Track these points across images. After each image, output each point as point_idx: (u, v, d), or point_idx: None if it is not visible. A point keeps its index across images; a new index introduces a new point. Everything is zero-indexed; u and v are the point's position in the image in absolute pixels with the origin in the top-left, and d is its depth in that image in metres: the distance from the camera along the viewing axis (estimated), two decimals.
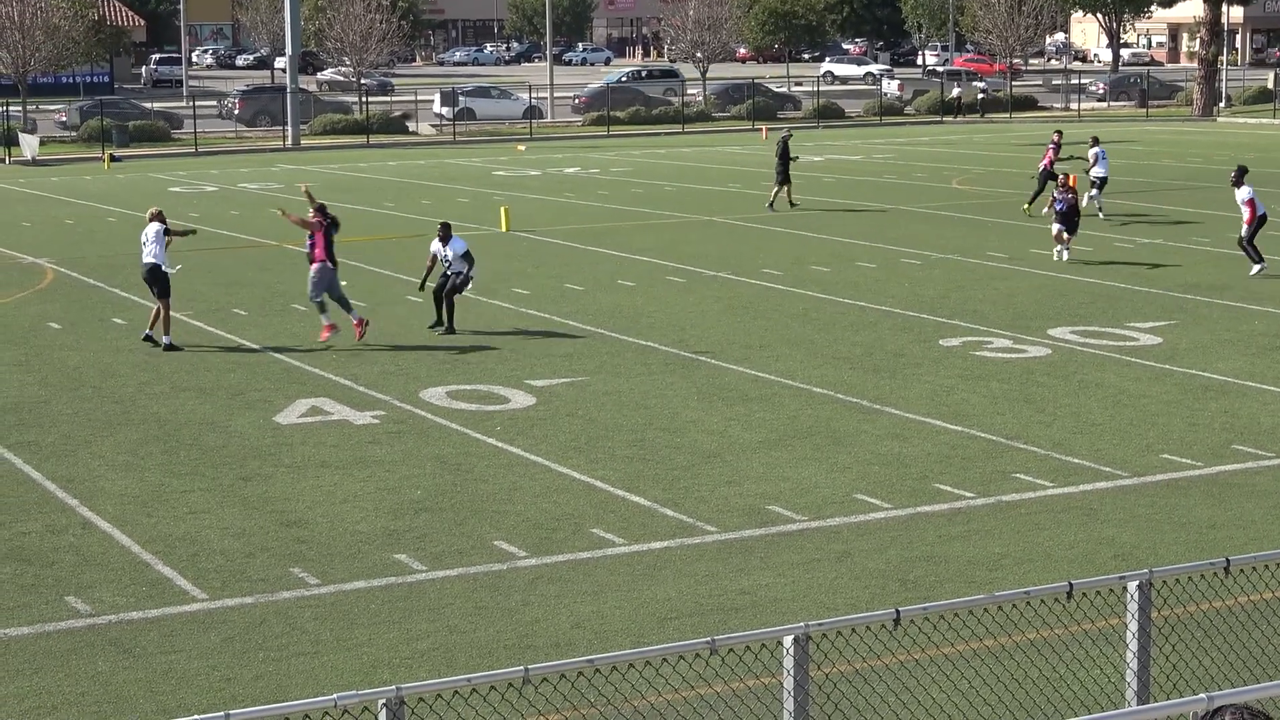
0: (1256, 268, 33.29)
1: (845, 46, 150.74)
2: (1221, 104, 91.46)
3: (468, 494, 18.93)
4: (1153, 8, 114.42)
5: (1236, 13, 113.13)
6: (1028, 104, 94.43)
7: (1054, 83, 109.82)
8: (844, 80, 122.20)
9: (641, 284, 33.48)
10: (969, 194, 49.76)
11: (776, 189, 46.42)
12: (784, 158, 46.11)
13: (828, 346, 27.08)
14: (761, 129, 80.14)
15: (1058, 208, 35.66)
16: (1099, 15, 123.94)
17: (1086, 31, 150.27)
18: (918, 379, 24.63)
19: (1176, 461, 20.09)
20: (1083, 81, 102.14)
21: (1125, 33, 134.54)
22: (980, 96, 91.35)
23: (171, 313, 27.61)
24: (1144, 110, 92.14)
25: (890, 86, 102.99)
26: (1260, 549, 15.39)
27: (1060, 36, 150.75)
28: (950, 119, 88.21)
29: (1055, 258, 35.55)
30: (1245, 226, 33.69)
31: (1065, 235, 35.46)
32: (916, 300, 31.21)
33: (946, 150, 67.54)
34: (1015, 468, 19.86)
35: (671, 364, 25.84)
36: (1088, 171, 43.39)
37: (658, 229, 42.43)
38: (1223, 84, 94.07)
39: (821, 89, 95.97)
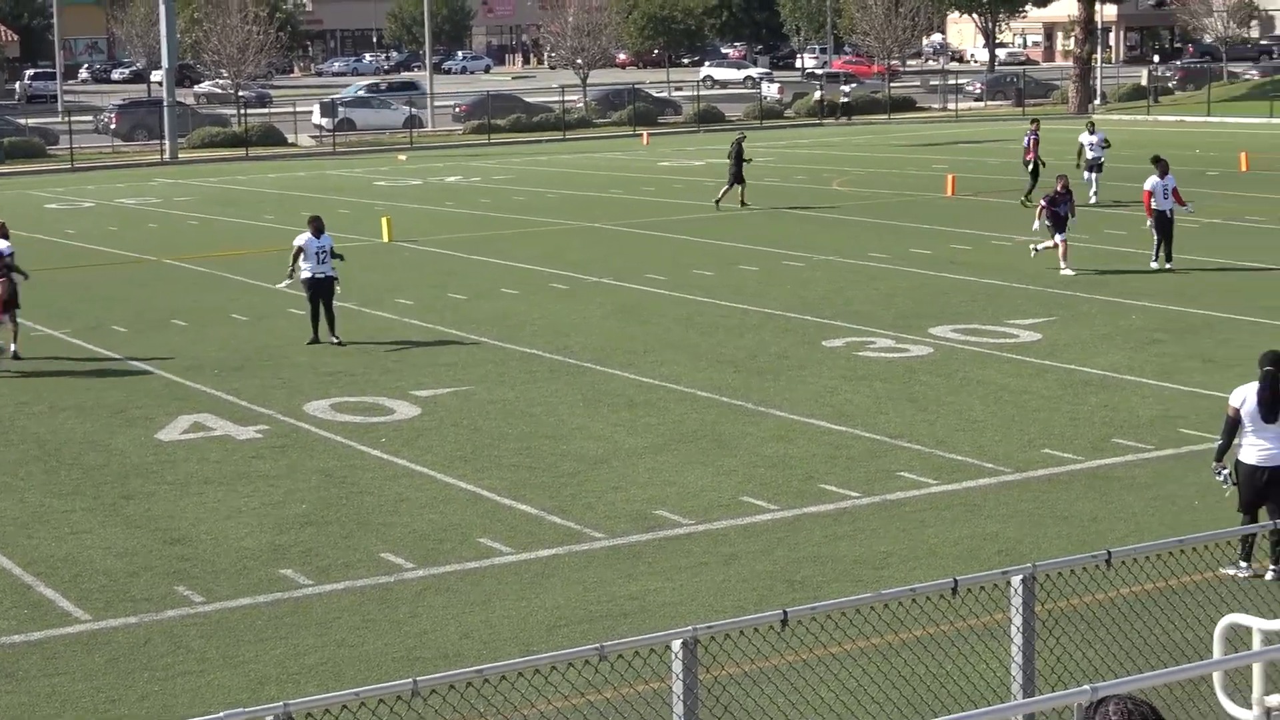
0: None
1: (725, 50, 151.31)
2: (1097, 101, 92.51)
3: (353, 507, 18.83)
4: (1028, 7, 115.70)
5: (1110, 11, 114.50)
6: (906, 105, 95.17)
7: (932, 83, 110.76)
8: (724, 84, 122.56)
9: (525, 292, 33.43)
10: (850, 195, 50.06)
11: (727, 188, 47.20)
12: (737, 158, 46.93)
13: (712, 350, 27.15)
14: (643, 134, 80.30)
15: (1060, 211, 33.40)
16: (975, 16, 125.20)
17: (963, 32, 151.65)
18: (801, 380, 24.75)
19: (1058, 456, 20.30)
20: (960, 82, 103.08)
21: (1001, 32, 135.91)
22: (845, 100, 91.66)
23: (48, 330, 27.29)
24: (1020, 109, 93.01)
25: (770, 90, 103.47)
26: (1141, 541, 15.57)
27: (937, 37, 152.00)
28: (823, 121, 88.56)
29: (1064, 271, 33.31)
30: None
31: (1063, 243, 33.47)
32: (799, 302, 31.36)
33: (826, 152, 67.92)
34: (899, 466, 19.99)
35: (556, 371, 25.82)
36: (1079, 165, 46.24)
37: (540, 236, 42.40)
38: (1098, 81, 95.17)
39: (702, 93, 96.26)
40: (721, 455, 20.70)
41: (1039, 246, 34.02)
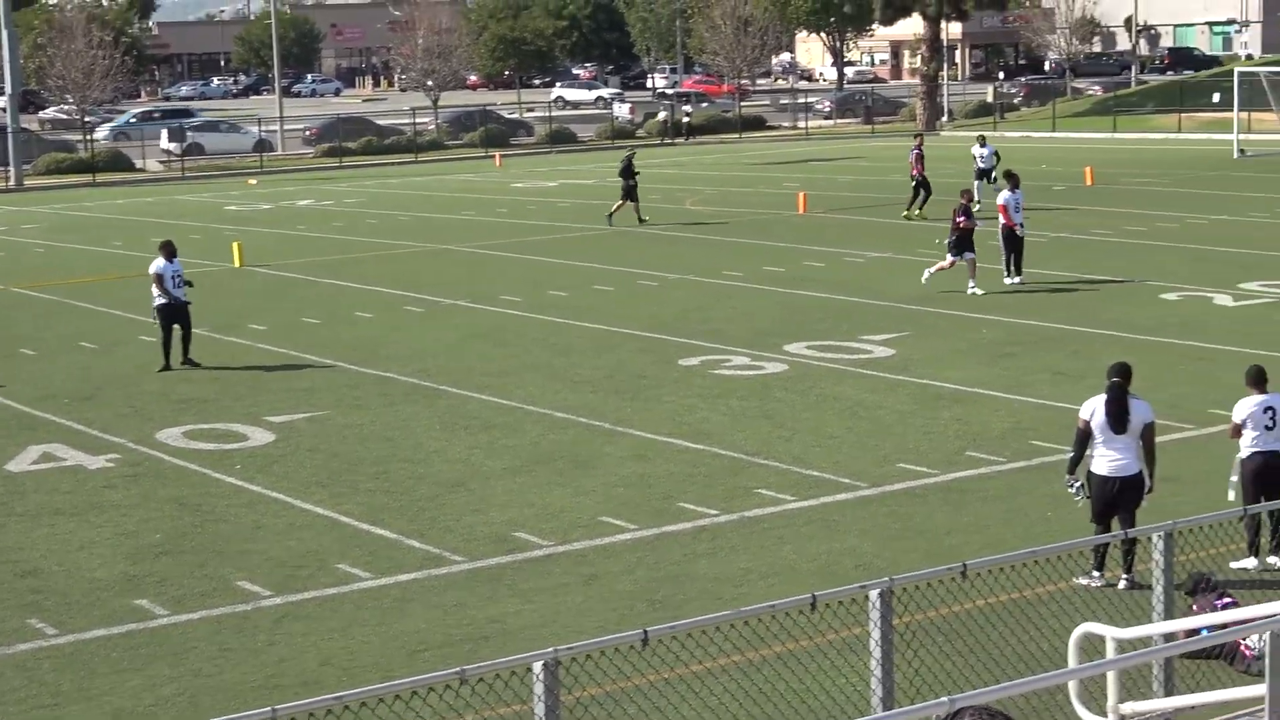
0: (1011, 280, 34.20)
1: (576, 71, 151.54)
2: (944, 118, 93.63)
3: (209, 535, 18.62)
4: (875, 26, 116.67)
5: (955, 29, 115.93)
6: (757, 124, 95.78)
7: (782, 102, 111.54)
8: (575, 105, 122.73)
9: (380, 315, 33.27)
10: (703, 214, 50.27)
11: (620, 204, 47.45)
12: (627, 174, 47.35)
13: (569, 370, 27.15)
14: (495, 156, 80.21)
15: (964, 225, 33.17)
16: (823, 35, 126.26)
17: (811, 51, 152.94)
18: (659, 399, 24.81)
19: (913, 470, 20.49)
20: (809, 100, 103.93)
21: (849, 51, 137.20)
22: (686, 120, 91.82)
23: None
24: (870, 126, 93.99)
25: (622, 110, 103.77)
26: (995, 552, 15.74)
27: (786, 56, 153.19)
28: (673, 141, 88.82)
29: (972, 290, 33.04)
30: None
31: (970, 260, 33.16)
32: (656, 321, 31.44)
33: (679, 172, 68.19)
34: (757, 483, 20.09)
35: (413, 394, 25.71)
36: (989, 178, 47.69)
37: (394, 259, 42.21)
38: (945, 99, 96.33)
39: (553, 114, 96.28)
40: (580, 475, 20.69)
41: (930, 270, 33.76)
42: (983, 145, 50.35)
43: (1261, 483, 16.54)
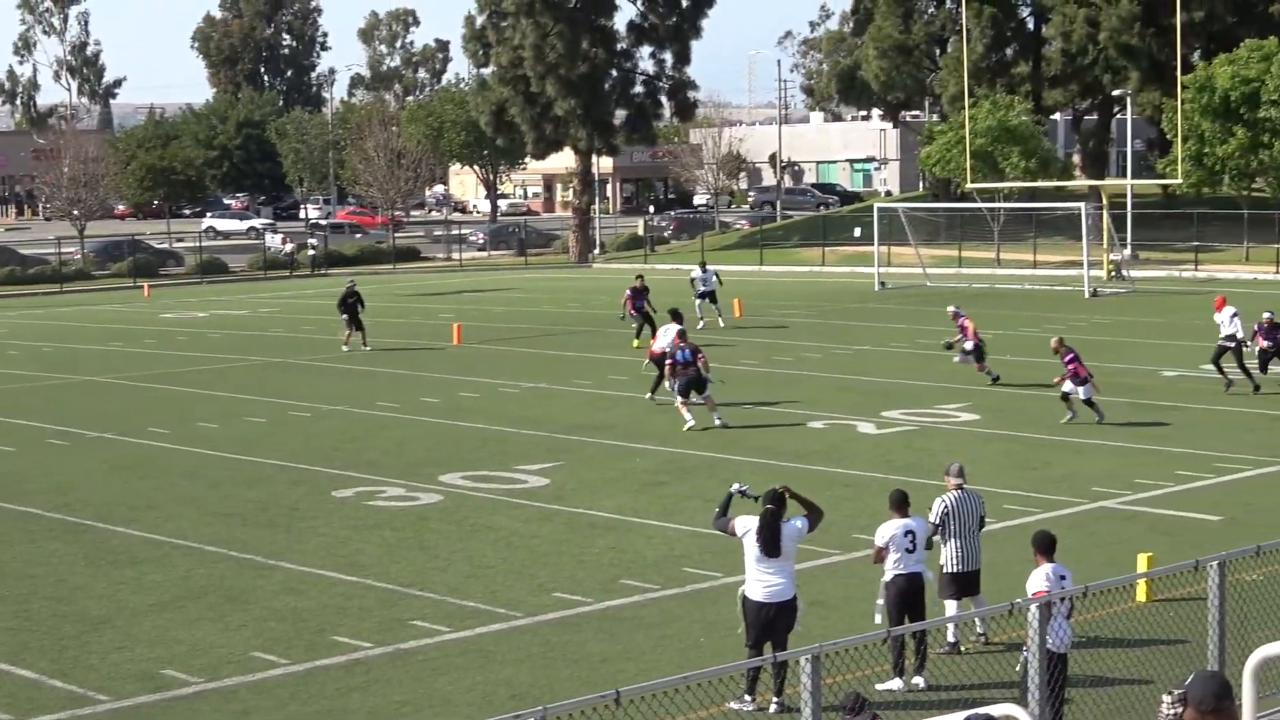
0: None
1: (227, 201, 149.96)
2: (596, 250, 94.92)
3: None
4: (527, 159, 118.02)
5: (606, 163, 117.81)
6: (410, 255, 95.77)
7: (435, 233, 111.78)
8: (227, 235, 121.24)
9: (22, 448, 32.29)
10: (358, 345, 49.95)
11: (349, 333, 47.96)
12: (346, 303, 47.97)
13: (219, 503, 26.68)
14: (144, 286, 78.74)
15: (679, 358, 32.93)
16: (476, 167, 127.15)
17: (465, 182, 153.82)
18: (313, 531, 24.53)
19: (568, 599, 20.57)
20: (463, 232, 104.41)
21: (502, 183, 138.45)
22: (311, 253, 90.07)
23: None
24: (523, 258, 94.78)
25: (274, 240, 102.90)
26: (650, 679, 15.84)
27: (440, 188, 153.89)
28: (321, 272, 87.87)
29: (688, 426, 32.40)
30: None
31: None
32: (309, 453, 31.11)
33: (332, 303, 67.64)
34: (412, 615, 19.96)
35: (55, 530, 24.97)
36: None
37: (36, 391, 41.06)
38: (596, 231, 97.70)
39: (204, 244, 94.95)
40: (231, 610, 20.31)
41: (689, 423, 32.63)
42: (704, 270, 53.57)
43: (905, 604, 17.02)
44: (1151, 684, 15.37)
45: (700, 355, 33.22)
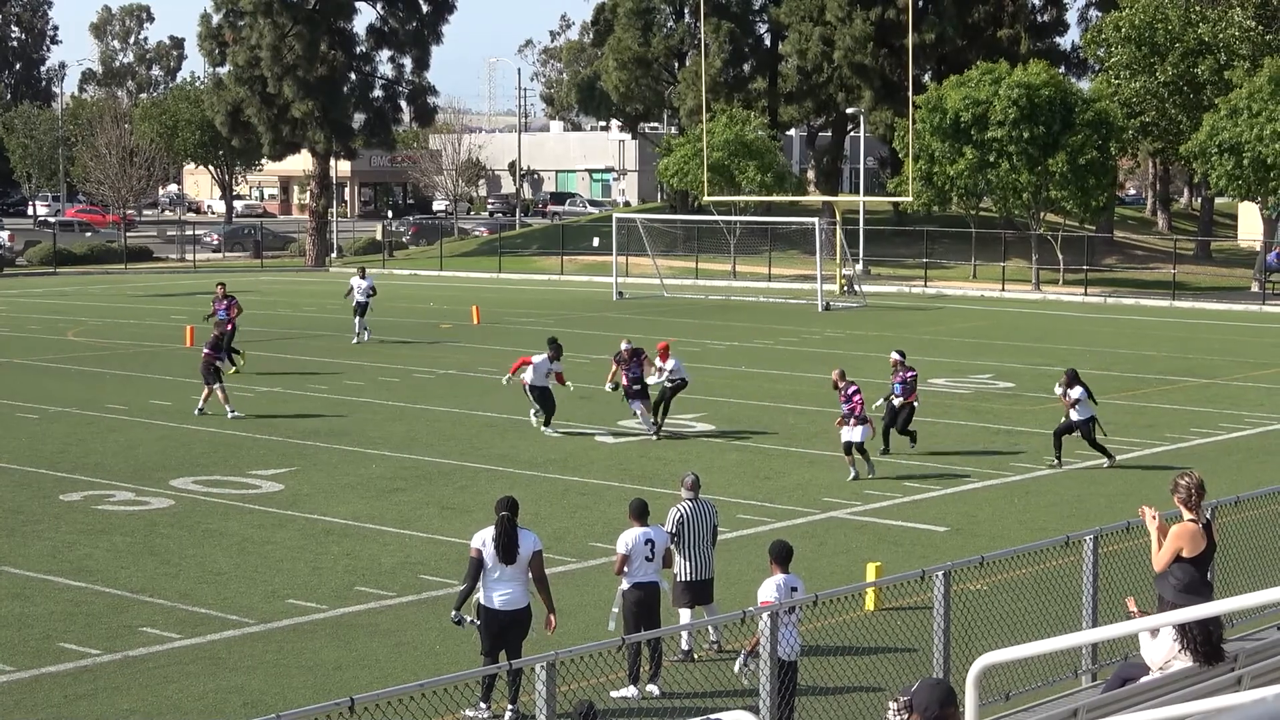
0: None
1: None
2: (333, 254, 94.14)
3: None
4: (264, 161, 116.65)
5: (344, 167, 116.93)
6: (143, 255, 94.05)
7: (169, 233, 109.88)
8: None
9: None
10: (86, 345, 48.98)
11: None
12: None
13: None
14: None
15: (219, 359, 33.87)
16: (211, 167, 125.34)
17: (200, 183, 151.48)
18: (38, 535, 23.98)
19: (302, 606, 20.41)
20: (198, 232, 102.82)
21: (238, 184, 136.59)
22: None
23: None
24: (259, 260, 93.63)
25: (0, 237, 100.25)
26: (384, 686, 15.81)
27: (174, 188, 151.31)
28: (57, 271, 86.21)
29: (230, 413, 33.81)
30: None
31: None
32: (34, 455, 30.41)
33: (62, 302, 66.29)
34: (142, 621, 19.63)
35: None
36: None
37: None
38: (334, 234, 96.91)
39: None
40: None
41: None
42: (363, 278, 50.19)
43: (642, 612, 17.20)
44: (879, 691, 15.72)
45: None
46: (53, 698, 16.90)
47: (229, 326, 42.34)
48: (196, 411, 34.69)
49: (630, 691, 16.97)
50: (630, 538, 17.43)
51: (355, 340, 48.76)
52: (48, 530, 24.40)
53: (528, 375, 33.08)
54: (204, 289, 73.38)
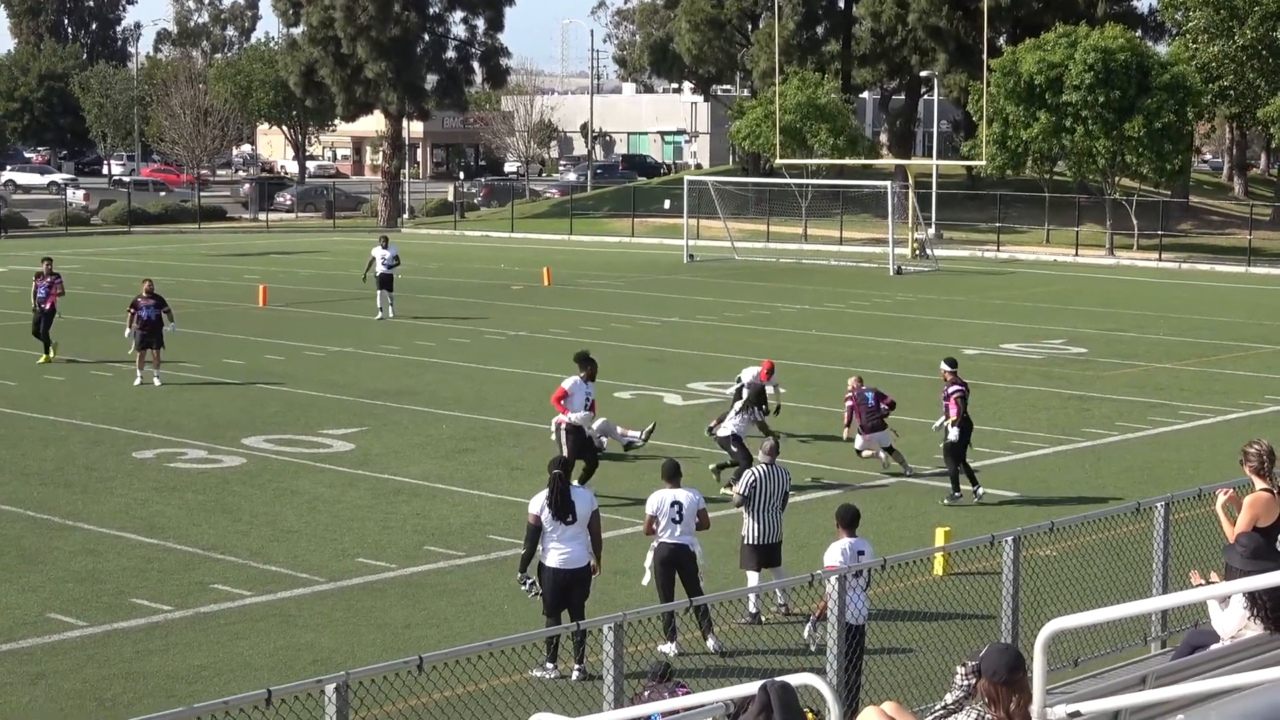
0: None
1: (27, 155, 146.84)
2: (405, 215, 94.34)
3: None
4: (337, 121, 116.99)
5: (417, 128, 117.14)
6: (217, 214, 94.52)
7: (243, 192, 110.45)
8: (27, 189, 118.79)
9: None
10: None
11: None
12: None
13: (16, 463, 26.21)
14: None
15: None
16: (284, 128, 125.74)
17: (273, 144, 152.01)
18: (111, 493, 24.19)
19: (372, 564, 20.52)
20: (272, 190, 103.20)
21: (310, 145, 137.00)
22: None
23: None
24: (331, 221, 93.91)
25: (76, 196, 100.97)
26: (453, 645, 15.88)
27: (247, 148, 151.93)
28: (131, 230, 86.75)
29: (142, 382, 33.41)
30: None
31: None
32: (108, 413, 30.65)
33: (136, 261, 66.66)
34: (214, 578, 19.78)
35: None
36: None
37: None
38: (406, 196, 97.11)
39: (3, 198, 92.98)
40: (27, 571, 19.99)
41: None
42: (385, 247, 46.55)
43: (669, 572, 17.40)
44: (947, 655, 15.68)
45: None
46: (124, 652, 17.05)
47: (48, 306, 37.69)
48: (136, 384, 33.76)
49: (670, 648, 16.98)
50: (657, 499, 17.59)
51: (379, 317, 45.34)
52: (120, 487, 24.60)
53: (574, 415, 24.97)
54: (278, 249, 73.80)
